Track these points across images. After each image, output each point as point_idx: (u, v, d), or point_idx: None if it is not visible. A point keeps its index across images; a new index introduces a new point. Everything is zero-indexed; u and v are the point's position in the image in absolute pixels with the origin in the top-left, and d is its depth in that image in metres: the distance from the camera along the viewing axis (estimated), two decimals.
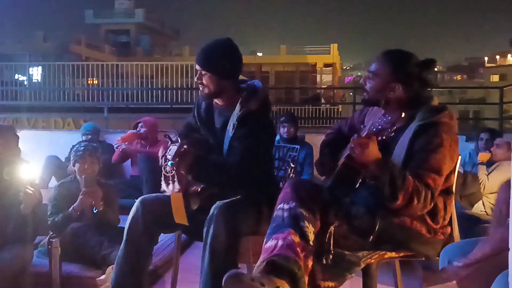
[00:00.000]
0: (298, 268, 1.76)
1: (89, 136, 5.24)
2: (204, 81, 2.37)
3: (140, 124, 4.99)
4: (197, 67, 2.40)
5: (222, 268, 2.04)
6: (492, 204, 4.16)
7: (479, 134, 4.78)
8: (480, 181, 4.08)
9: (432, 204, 1.95)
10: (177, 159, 2.16)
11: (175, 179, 2.24)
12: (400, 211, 1.92)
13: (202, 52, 2.39)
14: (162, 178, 2.30)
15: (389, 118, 1.83)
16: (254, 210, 2.29)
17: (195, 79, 2.42)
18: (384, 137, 1.88)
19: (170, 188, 2.27)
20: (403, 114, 2.00)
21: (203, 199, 2.28)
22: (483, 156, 4.22)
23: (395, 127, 1.89)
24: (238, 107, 2.36)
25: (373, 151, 1.88)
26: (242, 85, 2.46)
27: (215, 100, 2.48)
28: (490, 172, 4.08)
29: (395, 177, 1.85)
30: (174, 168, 2.20)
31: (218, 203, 2.19)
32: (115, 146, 4.89)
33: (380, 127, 1.86)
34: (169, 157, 2.17)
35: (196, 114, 2.56)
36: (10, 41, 28.15)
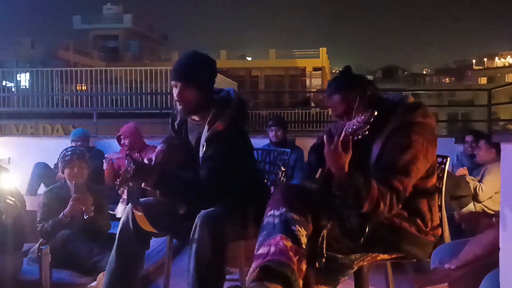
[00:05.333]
0: (291, 272, 1.76)
1: (79, 142, 5.18)
2: (186, 97, 2.27)
3: (122, 137, 4.79)
4: (176, 83, 2.28)
5: (208, 275, 2.04)
6: (486, 207, 4.20)
7: (465, 137, 4.86)
8: (474, 186, 4.13)
9: (400, 205, 1.93)
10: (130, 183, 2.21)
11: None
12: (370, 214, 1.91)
13: (180, 67, 2.29)
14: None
15: (362, 117, 1.81)
16: (239, 215, 2.27)
17: (175, 97, 2.29)
18: (360, 137, 1.85)
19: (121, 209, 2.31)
20: (375, 112, 1.98)
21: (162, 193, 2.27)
22: (460, 172, 4.34)
23: (368, 126, 1.86)
24: (206, 127, 2.30)
25: (341, 164, 1.84)
26: (216, 95, 2.38)
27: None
28: (481, 178, 4.15)
29: (359, 189, 1.83)
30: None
31: (202, 212, 2.18)
32: (104, 165, 4.50)
33: (354, 126, 1.84)
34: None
35: (171, 127, 2.55)
36: None
